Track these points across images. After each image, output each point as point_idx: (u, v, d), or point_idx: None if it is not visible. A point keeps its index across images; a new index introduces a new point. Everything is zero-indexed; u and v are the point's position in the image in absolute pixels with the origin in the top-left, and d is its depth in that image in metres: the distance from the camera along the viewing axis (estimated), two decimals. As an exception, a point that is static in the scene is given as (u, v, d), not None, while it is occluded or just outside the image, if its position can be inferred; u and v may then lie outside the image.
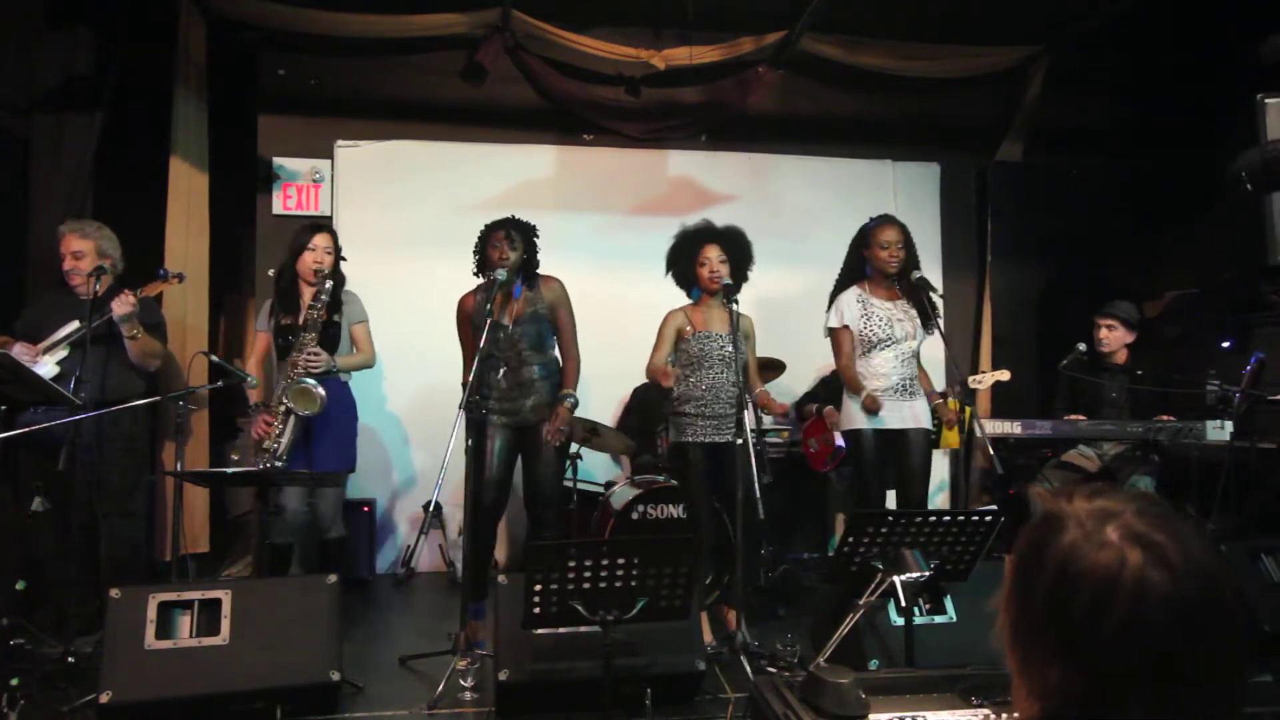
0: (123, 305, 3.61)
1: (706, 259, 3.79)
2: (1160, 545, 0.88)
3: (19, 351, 3.63)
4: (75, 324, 3.71)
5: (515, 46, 5.13)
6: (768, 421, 4.59)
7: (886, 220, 3.92)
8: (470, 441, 3.50)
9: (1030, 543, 0.96)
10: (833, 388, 4.62)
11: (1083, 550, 0.90)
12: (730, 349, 3.71)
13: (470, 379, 3.51)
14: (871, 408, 3.78)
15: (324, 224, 4.19)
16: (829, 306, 4.02)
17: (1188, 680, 0.86)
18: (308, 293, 3.90)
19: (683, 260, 3.89)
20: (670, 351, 3.85)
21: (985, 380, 4.27)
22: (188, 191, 4.78)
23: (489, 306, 3.55)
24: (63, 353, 3.72)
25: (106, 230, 3.91)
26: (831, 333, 3.97)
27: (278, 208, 5.21)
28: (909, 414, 3.81)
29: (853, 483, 4.62)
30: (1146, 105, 5.66)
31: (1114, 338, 4.56)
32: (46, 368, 3.63)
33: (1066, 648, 0.90)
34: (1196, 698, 0.87)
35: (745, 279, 3.89)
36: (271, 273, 4.17)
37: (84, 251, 3.79)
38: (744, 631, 3.42)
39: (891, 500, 4.04)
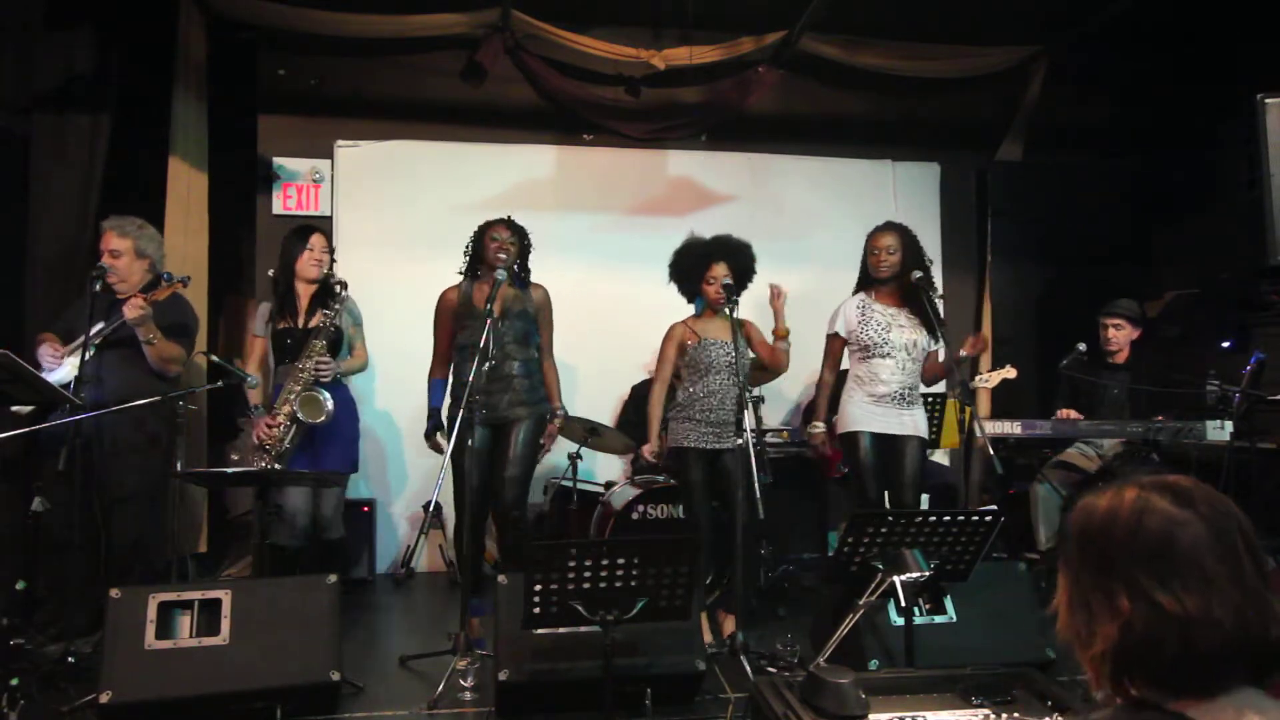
0: (133, 309, 3.50)
1: (714, 277, 3.80)
2: (1177, 485, 1.07)
3: (45, 351, 3.61)
4: (101, 325, 3.62)
5: (515, 46, 5.12)
6: (768, 422, 4.58)
7: (882, 226, 3.91)
8: (456, 439, 3.49)
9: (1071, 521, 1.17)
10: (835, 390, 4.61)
11: (1104, 498, 1.11)
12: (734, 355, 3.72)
13: (452, 372, 3.48)
14: (813, 442, 4.02)
15: (317, 225, 4.17)
16: None
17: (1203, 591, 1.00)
18: (305, 296, 3.90)
19: (689, 275, 3.89)
20: (674, 366, 3.89)
21: (992, 379, 4.21)
22: (187, 191, 4.78)
23: (489, 305, 3.54)
24: (88, 354, 3.67)
25: (150, 230, 3.84)
26: (826, 339, 3.99)
27: (278, 208, 5.22)
28: (908, 422, 3.80)
29: (851, 486, 4.61)
30: (1146, 105, 5.65)
31: (1121, 336, 4.56)
32: (65, 369, 3.58)
33: (1102, 572, 1.07)
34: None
35: (745, 288, 3.90)
36: (271, 273, 4.17)
37: (121, 250, 3.71)
38: (741, 634, 3.41)
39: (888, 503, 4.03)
